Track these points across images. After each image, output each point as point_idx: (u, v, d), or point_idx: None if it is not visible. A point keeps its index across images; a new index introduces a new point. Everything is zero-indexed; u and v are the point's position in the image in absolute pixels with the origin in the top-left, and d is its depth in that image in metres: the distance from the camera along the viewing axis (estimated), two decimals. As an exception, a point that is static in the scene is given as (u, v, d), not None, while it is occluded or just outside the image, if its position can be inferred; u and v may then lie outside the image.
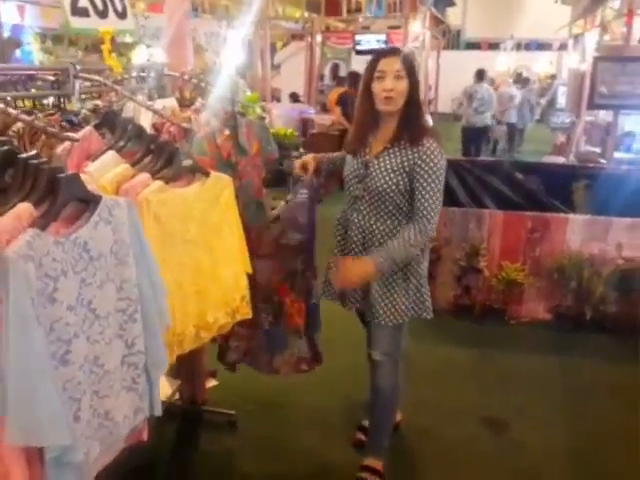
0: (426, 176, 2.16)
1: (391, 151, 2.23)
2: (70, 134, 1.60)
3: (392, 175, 2.20)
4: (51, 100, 2.13)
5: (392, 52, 2.23)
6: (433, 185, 2.16)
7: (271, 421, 2.95)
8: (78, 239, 1.34)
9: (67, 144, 1.60)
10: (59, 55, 6.58)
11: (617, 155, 6.69)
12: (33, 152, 1.38)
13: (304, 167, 2.48)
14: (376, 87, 2.20)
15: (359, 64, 10.55)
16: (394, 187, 2.21)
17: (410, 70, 2.19)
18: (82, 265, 1.34)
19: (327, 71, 11.58)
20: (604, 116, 7.95)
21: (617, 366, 3.53)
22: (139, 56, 5.68)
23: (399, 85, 2.17)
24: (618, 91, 5.99)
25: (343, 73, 11.20)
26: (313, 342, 2.49)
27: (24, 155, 1.36)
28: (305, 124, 9.01)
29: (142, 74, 2.42)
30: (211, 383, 3.16)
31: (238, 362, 2.55)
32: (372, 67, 2.21)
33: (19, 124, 1.79)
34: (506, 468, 2.64)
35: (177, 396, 2.92)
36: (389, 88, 2.16)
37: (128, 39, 5.39)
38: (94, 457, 1.39)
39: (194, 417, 2.91)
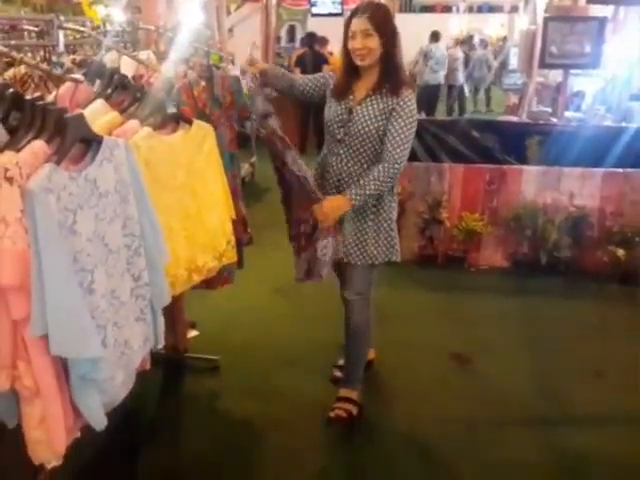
0: (400, 120, 2.32)
1: (373, 98, 2.38)
2: (74, 76, 1.66)
3: (374, 120, 2.36)
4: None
5: (361, 11, 2.36)
6: (405, 129, 2.32)
7: (252, 365, 3.09)
8: (88, 175, 1.42)
9: (62, 89, 1.65)
10: (12, 15, 6.39)
11: (567, 114, 6.96)
12: (37, 94, 1.45)
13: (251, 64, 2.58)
14: (350, 45, 2.38)
15: (315, 26, 10.53)
16: (374, 131, 2.36)
17: (380, 26, 2.33)
18: (94, 201, 1.43)
19: (284, 33, 11.49)
20: (554, 77, 8.21)
21: (571, 305, 3.80)
22: (97, 15, 5.57)
23: (369, 42, 2.33)
24: (567, 50, 6.19)
25: (300, 35, 11.14)
26: None
27: (30, 97, 1.43)
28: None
29: (117, 28, 2.46)
30: (192, 333, 3.28)
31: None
32: (346, 27, 2.39)
33: (9, 72, 1.84)
34: (474, 398, 2.86)
35: (161, 346, 3.03)
36: (359, 47, 2.34)
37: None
38: (120, 381, 1.51)
39: (178, 364, 3.03)
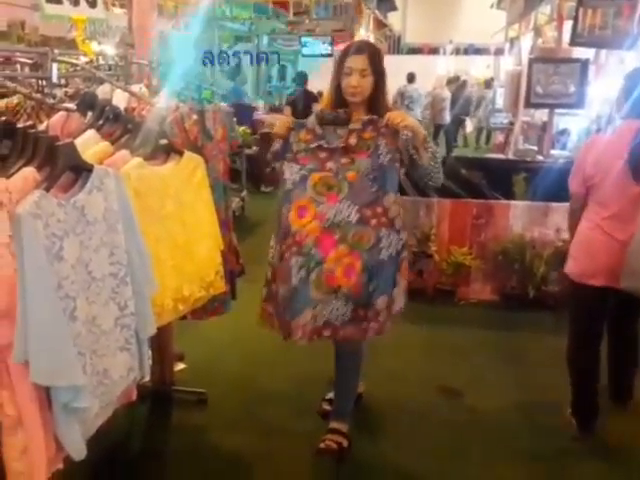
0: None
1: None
2: (66, 105, 1.69)
3: None
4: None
5: (360, 50, 2.41)
6: None
7: (240, 398, 3.06)
8: (77, 203, 1.43)
9: (54, 118, 1.68)
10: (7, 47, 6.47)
11: (553, 152, 7.08)
12: (29, 123, 1.47)
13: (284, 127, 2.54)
14: (344, 82, 2.42)
15: (305, 66, 10.75)
16: None
17: (376, 66, 2.41)
18: (81, 228, 1.44)
19: (275, 73, 11.73)
20: (540, 116, 8.37)
21: (559, 340, 3.79)
22: (91, 49, 5.66)
23: (364, 82, 2.40)
24: (552, 90, 6.35)
25: (290, 75, 11.40)
26: None
27: (22, 125, 1.44)
28: (254, 123, 9.08)
29: (110, 62, 2.50)
30: (179, 366, 3.24)
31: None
32: (341, 62, 2.43)
33: (0, 103, 1.86)
34: (463, 432, 2.83)
35: (147, 378, 2.99)
36: (355, 84, 2.40)
37: (80, 36, 5.40)
38: (96, 411, 1.48)
39: (165, 397, 2.98)
